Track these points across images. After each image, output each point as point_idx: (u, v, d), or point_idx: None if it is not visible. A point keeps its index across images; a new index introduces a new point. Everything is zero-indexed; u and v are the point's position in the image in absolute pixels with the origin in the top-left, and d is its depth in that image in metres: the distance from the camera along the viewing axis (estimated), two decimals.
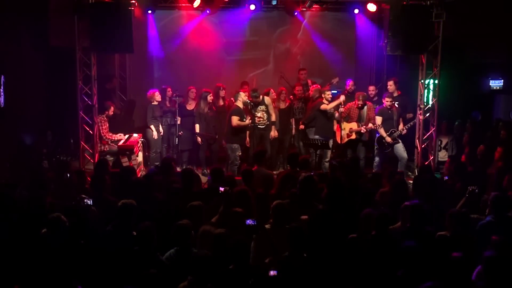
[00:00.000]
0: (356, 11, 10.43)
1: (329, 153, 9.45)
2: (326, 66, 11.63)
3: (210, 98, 9.53)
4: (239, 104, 9.08)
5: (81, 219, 5.14)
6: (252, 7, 9.65)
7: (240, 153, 8.98)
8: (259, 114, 9.29)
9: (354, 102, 9.39)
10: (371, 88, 10.04)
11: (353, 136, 9.37)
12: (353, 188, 6.27)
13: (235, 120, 8.92)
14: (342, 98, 9.17)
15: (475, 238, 5.07)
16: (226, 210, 5.23)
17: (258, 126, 9.33)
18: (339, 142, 9.59)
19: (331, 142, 9.32)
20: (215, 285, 4.11)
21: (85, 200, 5.63)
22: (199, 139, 9.60)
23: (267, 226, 5.02)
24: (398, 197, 5.91)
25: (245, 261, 4.34)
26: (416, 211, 5.04)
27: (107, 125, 9.30)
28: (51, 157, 9.40)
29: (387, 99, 9.10)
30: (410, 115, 9.55)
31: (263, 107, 9.34)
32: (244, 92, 9.57)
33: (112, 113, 9.47)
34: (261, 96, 9.38)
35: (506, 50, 11.54)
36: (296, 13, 10.66)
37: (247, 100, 9.08)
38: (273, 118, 9.44)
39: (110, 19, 8.26)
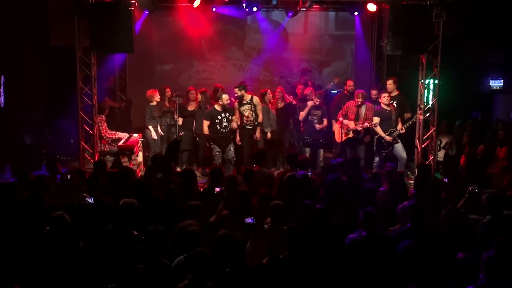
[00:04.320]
0: (356, 14, 10.48)
1: (321, 152, 9.44)
2: (326, 66, 11.68)
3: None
4: (217, 106, 8.94)
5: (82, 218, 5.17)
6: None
7: (218, 152, 8.91)
8: (246, 114, 9.26)
9: (353, 101, 9.38)
10: (374, 92, 9.96)
11: (350, 135, 9.36)
12: (353, 188, 6.28)
13: (204, 124, 8.93)
14: (310, 104, 9.34)
15: (477, 237, 5.06)
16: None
17: (246, 127, 9.31)
18: (338, 141, 9.59)
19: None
20: (215, 284, 4.12)
21: (86, 199, 5.65)
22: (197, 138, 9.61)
23: (264, 226, 5.03)
24: (396, 196, 5.91)
25: (241, 262, 4.34)
26: (415, 211, 5.04)
27: (106, 124, 9.29)
28: (52, 157, 9.40)
29: (384, 94, 9.09)
30: (408, 115, 9.54)
31: (250, 107, 9.28)
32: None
33: (107, 111, 9.46)
34: (247, 95, 9.30)
35: (506, 50, 11.55)
36: (290, 14, 10.62)
37: (226, 104, 8.92)
38: (260, 119, 9.34)
39: (110, 19, 8.24)
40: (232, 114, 9.13)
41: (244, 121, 9.26)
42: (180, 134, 9.53)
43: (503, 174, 6.73)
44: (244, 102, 9.26)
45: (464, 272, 4.24)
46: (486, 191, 5.59)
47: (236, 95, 9.34)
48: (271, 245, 4.69)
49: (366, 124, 9.13)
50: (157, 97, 9.70)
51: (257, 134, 9.40)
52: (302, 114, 9.48)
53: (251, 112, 9.27)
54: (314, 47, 11.88)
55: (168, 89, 9.91)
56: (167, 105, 9.86)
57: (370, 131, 9.33)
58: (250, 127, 9.33)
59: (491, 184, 6.81)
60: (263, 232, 4.85)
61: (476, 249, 4.65)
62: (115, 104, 11.07)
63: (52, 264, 4.55)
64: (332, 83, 10.82)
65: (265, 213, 5.18)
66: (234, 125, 9.19)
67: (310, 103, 9.32)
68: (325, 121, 9.48)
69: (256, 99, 9.38)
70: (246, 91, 9.33)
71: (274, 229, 4.95)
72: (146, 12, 10.18)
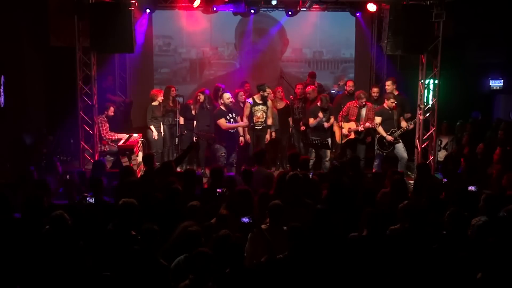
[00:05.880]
0: (357, 14, 10.49)
1: (328, 152, 9.44)
2: (325, 67, 11.69)
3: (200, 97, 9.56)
4: (222, 106, 8.92)
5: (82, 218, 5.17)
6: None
7: (223, 153, 8.93)
8: (258, 114, 9.27)
9: (354, 101, 9.36)
10: (375, 90, 9.97)
11: (352, 136, 9.35)
12: (354, 188, 6.28)
13: (223, 123, 8.87)
14: (320, 115, 9.25)
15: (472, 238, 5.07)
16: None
17: (255, 127, 9.31)
18: (338, 142, 9.58)
19: (329, 141, 9.33)
20: (216, 284, 4.12)
21: (87, 199, 5.66)
22: (195, 138, 9.60)
23: (263, 226, 5.03)
24: (397, 197, 5.90)
25: (239, 262, 4.35)
26: (414, 211, 5.04)
27: (107, 125, 9.30)
28: (52, 157, 9.40)
29: (392, 100, 9.05)
30: (408, 115, 9.54)
31: (264, 108, 9.32)
32: (240, 91, 9.58)
33: (112, 113, 9.47)
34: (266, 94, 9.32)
35: (506, 50, 11.56)
36: (290, 13, 10.58)
37: (229, 103, 8.93)
38: (270, 121, 9.40)
39: (110, 19, 8.24)
40: (237, 114, 9.10)
41: (254, 121, 9.26)
42: (184, 132, 9.54)
43: (499, 176, 6.72)
44: (260, 102, 9.27)
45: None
46: (484, 191, 5.59)
47: (268, 95, 9.27)
48: (270, 245, 4.69)
49: (367, 124, 9.12)
50: (160, 97, 9.69)
51: (268, 136, 9.46)
52: (313, 122, 9.35)
53: (263, 113, 9.27)
54: (313, 47, 11.89)
55: (173, 89, 9.90)
56: (171, 104, 9.86)
57: (370, 131, 9.32)
58: (258, 128, 9.32)
59: (489, 184, 6.80)
60: (262, 232, 4.85)
61: (472, 250, 4.67)
62: (120, 98, 11.01)
63: (52, 263, 4.55)
64: (338, 84, 10.81)
65: (265, 213, 5.19)
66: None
67: (320, 115, 9.28)
68: (332, 119, 9.43)
69: (269, 102, 9.40)
70: (265, 89, 9.31)
71: (273, 229, 4.95)
72: (147, 11, 10.15)
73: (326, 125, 9.31)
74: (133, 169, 7.54)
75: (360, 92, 9.30)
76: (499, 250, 4.24)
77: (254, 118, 9.23)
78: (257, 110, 9.26)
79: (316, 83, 10.68)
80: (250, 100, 9.31)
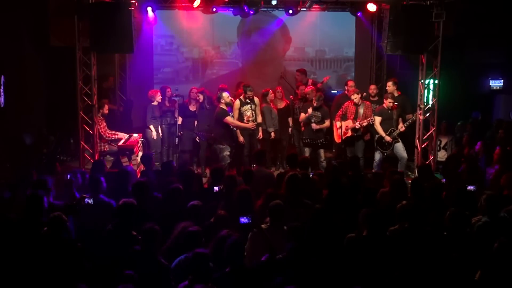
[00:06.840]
0: (358, 14, 10.50)
1: (322, 152, 9.43)
2: (325, 66, 11.70)
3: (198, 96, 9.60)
4: (223, 105, 8.98)
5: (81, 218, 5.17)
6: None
7: (228, 153, 8.96)
8: (248, 113, 9.27)
9: (351, 101, 9.36)
10: (372, 87, 10.00)
11: (349, 134, 9.34)
12: (354, 188, 6.28)
13: (230, 120, 8.94)
14: (309, 111, 9.27)
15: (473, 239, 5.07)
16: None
17: None
18: (337, 141, 9.57)
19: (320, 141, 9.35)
20: (216, 285, 4.12)
21: (86, 200, 5.66)
22: (197, 138, 9.61)
23: (263, 226, 5.03)
24: (397, 197, 5.90)
25: (239, 262, 4.35)
26: (412, 211, 5.04)
27: (104, 123, 9.29)
28: (52, 157, 9.41)
29: (390, 100, 9.06)
30: (409, 116, 9.54)
31: (253, 106, 9.33)
32: (240, 92, 9.60)
33: (107, 111, 9.44)
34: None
35: (506, 50, 11.56)
36: (290, 13, 10.56)
37: (230, 102, 9.06)
38: (259, 119, 9.44)
39: (110, 19, 8.25)
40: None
41: (245, 120, 9.27)
42: (180, 133, 9.54)
43: (498, 176, 6.72)
44: (247, 102, 9.28)
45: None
46: (485, 192, 5.59)
47: (248, 96, 9.31)
48: (270, 245, 4.69)
49: (365, 121, 9.11)
50: (158, 97, 9.70)
51: (260, 133, 9.46)
52: (303, 117, 9.45)
53: (252, 112, 9.29)
54: (313, 47, 11.89)
55: (168, 89, 9.93)
56: (167, 104, 9.87)
57: (369, 130, 9.31)
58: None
59: (489, 184, 6.82)
60: (262, 231, 4.85)
61: (471, 250, 4.67)
62: (113, 107, 11.04)
63: (49, 265, 4.54)
64: (322, 82, 10.80)
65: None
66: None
67: (310, 110, 9.30)
68: (327, 122, 9.43)
69: (256, 100, 9.43)
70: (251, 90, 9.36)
71: (274, 229, 4.96)
72: (149, 9, 10.10)
73: (313, 126, 9.31)
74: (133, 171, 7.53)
75: (352, 91, 9.31)
76: (500, 250, 4.23)
77: (245, 118, 9.24)
78: (246, 110, 9.27)
79: (310, 80, 10.67)
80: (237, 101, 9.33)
